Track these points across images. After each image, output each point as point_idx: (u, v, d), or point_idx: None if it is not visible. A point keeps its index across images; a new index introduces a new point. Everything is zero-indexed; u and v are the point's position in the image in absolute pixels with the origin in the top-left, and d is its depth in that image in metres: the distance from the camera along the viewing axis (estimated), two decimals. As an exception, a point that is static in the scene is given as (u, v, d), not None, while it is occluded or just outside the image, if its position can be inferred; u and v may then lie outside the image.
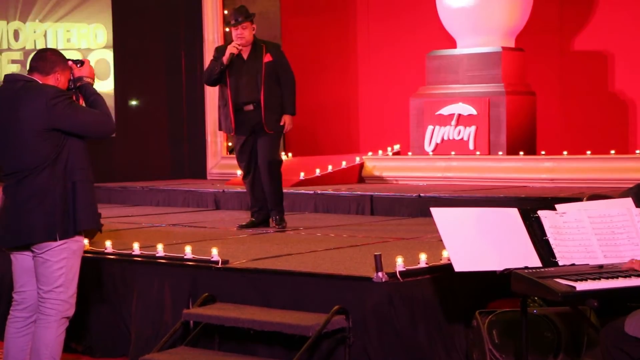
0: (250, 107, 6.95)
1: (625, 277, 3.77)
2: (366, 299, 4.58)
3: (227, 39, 7.19)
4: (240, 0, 10.44)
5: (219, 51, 7.07)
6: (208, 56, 10.36)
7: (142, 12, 11.66)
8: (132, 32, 11.55)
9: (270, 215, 7.14)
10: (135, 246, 5.59)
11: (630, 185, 5.66)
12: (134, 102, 11.92)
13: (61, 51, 4.49)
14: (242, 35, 6.91)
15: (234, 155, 7.41)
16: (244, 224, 7.21)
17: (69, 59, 4.38)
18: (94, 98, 4.32)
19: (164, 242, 5.74)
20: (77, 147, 4.23)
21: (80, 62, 4.40)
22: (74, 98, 4.29)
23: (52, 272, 4.21)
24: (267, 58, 6.95)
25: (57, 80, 4.29)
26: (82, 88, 4.35)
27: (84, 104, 4.34)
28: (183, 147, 11.90)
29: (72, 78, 4.35)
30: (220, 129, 7.37)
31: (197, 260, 5.27)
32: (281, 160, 7.16)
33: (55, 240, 4.17)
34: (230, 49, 6.90)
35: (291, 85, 7.02)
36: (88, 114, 4.26)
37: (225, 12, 10.75)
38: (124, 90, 11.64)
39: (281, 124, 6.96)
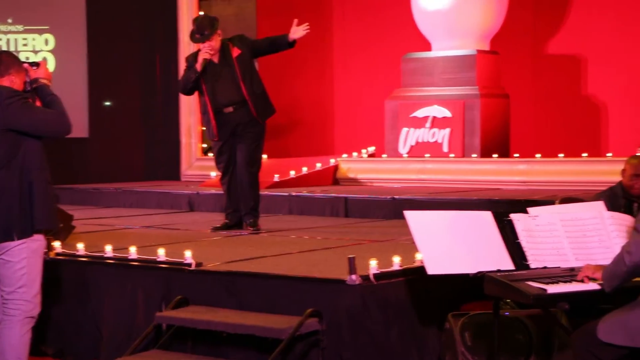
0: (230, 109, 6.92)
1: (595, 280, 3.79)
2: (340, 302, 4.57)
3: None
4: (215, 2, 10.45)
5: (190, 60, 7.03)
6: (183, 57, 10.32)
7: (116, 13, 11.58)
8: (106, 33, 11.46)
9: (243, 219, 7.09)
10: (108, 248, 5.55)
11: (603, 189, 5.73)
12: (107, 103, 11.84)
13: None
14: (211, 47, 6.85)
15: (209, 157, 7.38)
16: (218, 226, 7.17)
17: (24, 62, 4.37)
18: (50, 98, 4.32)
19: (137, 244, 5.70)
20: (34, 148, 4.22)
21: (36, 64, 4.39)
22: (30, 100, 4.27)
23: (14, 273, 4.20)
24: (235, 52, 6.93)
25: (11, 82, 4.27)
26: (39, 89, 4.34)
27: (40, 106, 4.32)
28: (157, 148, 11.84)
29: (28, 80, 4.33)
30: (208, 138, 7.33)
31: (170, 263, 5.24)
32: (260, 166, 7.11)
33: (13, 240, 4.16)
34: (203, 55, 6.85)
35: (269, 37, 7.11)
36: (43, 113, 4.25)
37: (201, 13, 10.71)
38: (98, 91, 11.56)
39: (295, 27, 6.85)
